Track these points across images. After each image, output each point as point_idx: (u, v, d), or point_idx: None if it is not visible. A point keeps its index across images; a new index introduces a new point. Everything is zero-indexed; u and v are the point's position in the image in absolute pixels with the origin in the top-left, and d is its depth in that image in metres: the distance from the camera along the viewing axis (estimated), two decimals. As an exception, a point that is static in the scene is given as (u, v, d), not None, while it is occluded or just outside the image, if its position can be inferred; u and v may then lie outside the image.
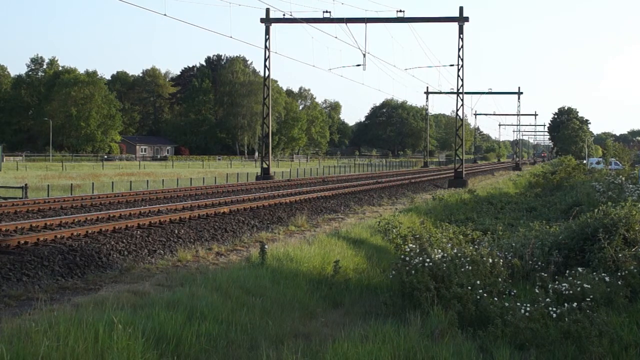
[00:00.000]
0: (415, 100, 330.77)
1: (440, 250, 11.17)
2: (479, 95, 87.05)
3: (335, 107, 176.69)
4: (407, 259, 10.72)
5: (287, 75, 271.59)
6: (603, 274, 10.28)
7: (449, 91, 67.17)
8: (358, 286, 12.39)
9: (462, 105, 47.18)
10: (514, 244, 13.59)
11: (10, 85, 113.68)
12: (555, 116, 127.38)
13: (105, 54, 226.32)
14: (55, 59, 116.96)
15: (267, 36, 43.70)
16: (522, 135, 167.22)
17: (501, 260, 11.40)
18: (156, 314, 8.48)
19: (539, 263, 12.16)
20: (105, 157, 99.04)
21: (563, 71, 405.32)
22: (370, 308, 10.65)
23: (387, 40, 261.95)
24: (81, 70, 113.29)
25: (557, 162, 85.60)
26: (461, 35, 43.76)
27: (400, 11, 41.76)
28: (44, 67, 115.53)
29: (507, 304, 9.27)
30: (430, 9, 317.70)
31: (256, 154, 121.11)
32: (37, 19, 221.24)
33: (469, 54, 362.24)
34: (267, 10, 43.20)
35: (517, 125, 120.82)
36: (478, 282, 10.01)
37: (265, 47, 43.81)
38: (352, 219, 22.95)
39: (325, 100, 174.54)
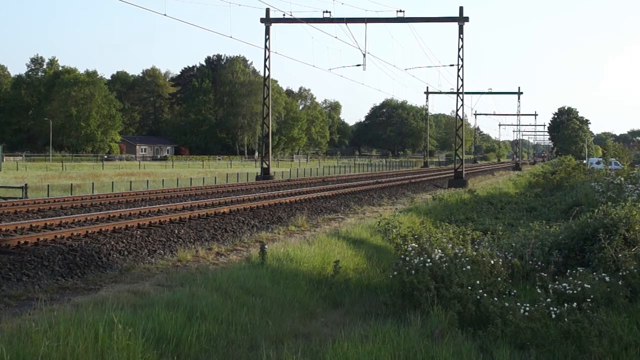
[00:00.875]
0: (415, 100, 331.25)
1: (440, 250, 11.17)
2: (479, 95, 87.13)
3: (335, 107, 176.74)
4: (408, 259, 10.72)
5: (287, 75, 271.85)
6: (603, 274, 10.28)
7: (449, 91, 67.22)
8: (358, 286, 12.39)
9: (462, 105, 47.22)
10: (514, 244, 13.59)
11: (10, 85, 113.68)
12: (555, 116, 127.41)
13: (105, 54, 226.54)
14: (55, 59, 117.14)
15: (267, 36, 43.72)
16: (522, 135, 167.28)
17: (501, 260, 11.40)
18: (156, 314, 8.48)
19: (539, 263, 12.16)
20: (105, 157, 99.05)
21: (563, 71, 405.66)
22: (370, 308, 10.65)
23: (387, 40, 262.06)
24: (81, 70, 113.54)
25: (557, 162, 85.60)
26: (461, 35, 43.78)
27: (400, 11, 41.80)
28: (44, 67, 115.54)
29: (507, 304, 9.27)
30: (430, 9, 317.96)
31: (256, 154, 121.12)
32: (37, 19, 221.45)
33: (469, 54, 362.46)
34: (267, 10, 43.23)
35: (517, 125, 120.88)
36: (478, 282, 10.01)
37: (265, 47, 43.82)
38: (352, 219, 22.95)
39: (325, 100, 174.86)
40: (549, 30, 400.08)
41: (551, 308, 8.98)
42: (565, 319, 8.64)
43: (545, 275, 11.06)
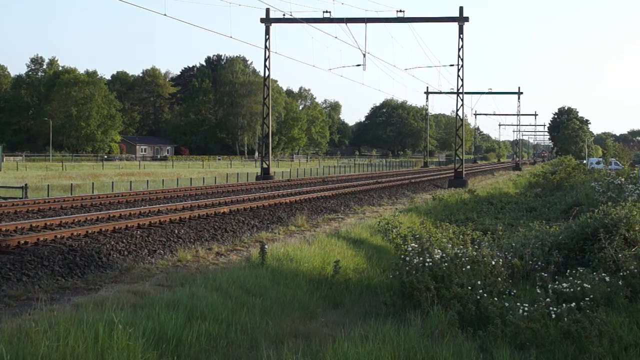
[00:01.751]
0: (415, 100, 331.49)
1: (440, 250, 11.16)
2: (479, 95, 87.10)
3: (335, 107, 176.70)
4: (407, 258, 10.72)
5: (287, 75, 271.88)
6: (603, 274, 10.27)
7: (449, 91, 67.21)
8: (358, 286, 12.39)
9: (462, 105, 47.24)
10: (514, 244, 13.58)
11: (10, 85, 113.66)
12: (555, 116, 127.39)
13: (105, 54, 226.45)
14: (55, 59, 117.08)
15: (267, 36, 43.72)
16: (522, 135, 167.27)
17: (501, 260, 11.39)
18: (156, 314, 8.48)
19: (539, 263, 12.15)
20: (105, 157, 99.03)
21: (563, 71, 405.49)
22: (370, 308, 10.65)
23: (387, 40, 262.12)
24: (81, 70, 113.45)
25: (557, 162, 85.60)
26: (461, 35, 43.78)
27: (400, 11, 41.81)
28: (44, 67, 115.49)
29: (507, 304, 9.26)
30: (430, 9, 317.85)
31: (256, 154, 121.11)
32: (37, 19, 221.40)
33: (469, 54, 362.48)
34: (267, 10, 43.24)
35: (517, 125, 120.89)
36: (478, 282, 10.00)
37: (265, 47, 43.82)
38: (352, 219, 22.95)
39: (325, 100, 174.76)
40: (549, 30, 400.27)
41: (551, 308, 8.98)
42: (565, 319, 8.63)
43: (545, 275, 11.05)
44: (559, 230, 13.81)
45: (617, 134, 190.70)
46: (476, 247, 12.47)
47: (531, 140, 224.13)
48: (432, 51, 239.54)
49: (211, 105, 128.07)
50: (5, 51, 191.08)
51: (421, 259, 10.52)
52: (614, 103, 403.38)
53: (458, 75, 45.27)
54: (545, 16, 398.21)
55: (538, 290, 10.12)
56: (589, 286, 9.79)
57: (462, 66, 45.01)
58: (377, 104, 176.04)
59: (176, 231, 17.08)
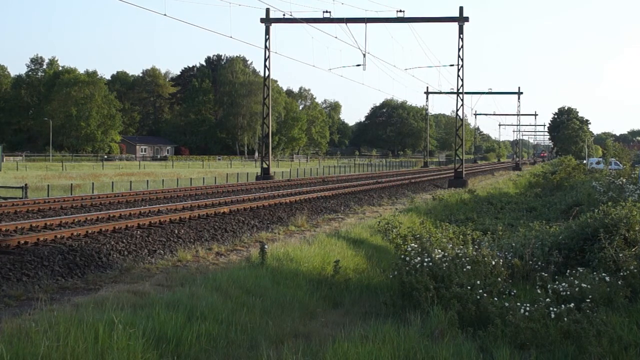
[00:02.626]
0: (415, 100, 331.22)
1: (440, 250, 11.16)
2: (479, 95, 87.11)
3: (335, 107, 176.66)
4: (407, 259, 10.72)
5: (287, 75, 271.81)
6: (603, 274, 10.28)
7: (449, 91, 67.23)
8: (358, 286, 12.38)
9: (462, 105, 47.23)
10: (514, 244, 13.58)
11: (10, 85, 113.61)
12: (555, 116, 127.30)
13: (105, 54, 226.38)
14: (55, 59, 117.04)
15: (267, 36, 43.72)
16: (522, 135, 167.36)
17: (501, 260, 11.39)
18: (156, 314, 8.48)
19: (539, 263, 12.15)
20: (105, 157, 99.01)
21: (563, 71, 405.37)
22: (370, 308, 10.65)
23: (387, 40, 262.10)
24: (81, 70, 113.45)
25: (557, 162, 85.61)
26: (461, 35, 43.78)
27: (400, 11, 41.81)
28: (44, 67, 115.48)
29: (507, 304, 9.26)
30: (430, 9, 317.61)
31: (256, 154, 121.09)
32: (37, 19, 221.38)
33: (469, 54, 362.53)
34: (267, 10, 43.24)
35: (517, 125, 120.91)
36: (478, 282, 10.00)
37: (265, 47, 43.82)
38: (352, 219, 22.95)
39: (325, 100, 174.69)
40: (549, 30, 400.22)
41: (551, 308, 8.98)
42: (565, 319, 8.63)
43: (545, 275, 11.06)
44: (559, 231, 13.81)
45: (617, 134, 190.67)
46: (476, 247, 12.47)
47: (531, 140, 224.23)
48: (432, 51, 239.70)
49: (211, 105, 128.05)
50: (5, 51, 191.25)
51: (421, 259, 10.52)
52: (614, 103, 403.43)
53: (458, 75, 45.28)
54: (545, 16, 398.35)
55: (538, 291, 10.13)
56: (589, 286, 9.79)
57: (462, 66, 45.04)
58: (377, 104, 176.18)
59: (176, 231, 17.08)
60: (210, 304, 9.43)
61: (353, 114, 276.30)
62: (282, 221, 21.38)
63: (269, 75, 45.28)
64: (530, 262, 12.23)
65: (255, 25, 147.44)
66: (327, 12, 40.99)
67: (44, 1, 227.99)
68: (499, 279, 10.74)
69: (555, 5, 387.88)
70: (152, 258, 14.63)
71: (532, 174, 61.15)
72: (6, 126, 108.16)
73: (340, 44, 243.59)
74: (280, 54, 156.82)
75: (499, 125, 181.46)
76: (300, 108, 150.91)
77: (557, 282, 10.24)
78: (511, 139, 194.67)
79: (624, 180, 23.19)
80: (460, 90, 46.14)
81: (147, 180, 38.19)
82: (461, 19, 42.99)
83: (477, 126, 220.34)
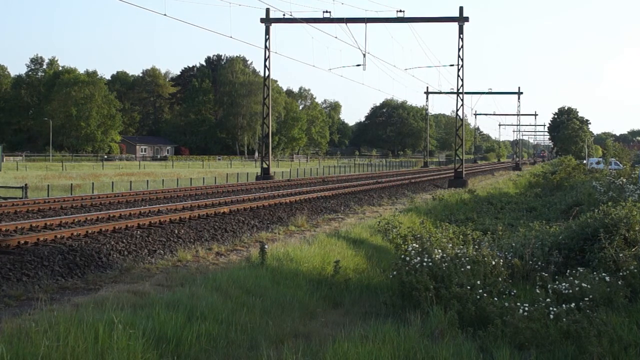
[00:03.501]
0: (415, 100, 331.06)
1: (440, 250, 11.16)
2: (479, 95, 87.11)
3: (335, 107, 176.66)
4: (407, 258, 10.71)
5: (287, 75, 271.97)
6: (603, 274, 10.28)
7: (449, 91, 67.23)
8: (358, 286, 12.38)
9: (462, 105, 47.24)
10: (514, 244, 13.58)
11: (10, 85, 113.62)
12: (555, 116, 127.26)
13: (105, 54, 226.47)
14: (55, 59, 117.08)
15: (267, 36, 43.73)
16: (522, 135, 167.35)
17: (501, 261, 11.39)
18: (156, 314, 8.48)
19: (539, 263, 12.15)
20: (105, 157, 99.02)
21: (563, 71, 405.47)
22: (370, 308, 10.65)
23: (387, 40, 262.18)
24: (81, 70, 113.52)
25: (557, 162, 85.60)
26: (461, 35, 43.78)
27: (400, 11, 41.81)
28: (44, 67, 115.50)
29: (507, 304, 9.27)
30: (430, 9, 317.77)
31: (256, 154, 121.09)
32: (37, 19, 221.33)
33: (469, 54, 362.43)
34: (267, 10, 43.24)
35: (517, 125, 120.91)
36: (478, 282, 10.00)
37: (265, 47, 43.83)
38: (352, 219, 22.94)
39: (325, 100, 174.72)
40: (549, 30, 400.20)
41: (551, 308, 8.98)
42: (565, 319, 8.63)
43: (545, 275, 11.06)
44: (559, 231, 13.81)
45: (617, 134, 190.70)
46: (476, 247, 12.46)
47: (531, 140, 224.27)
48: (432, 51, 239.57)
49: (211, 105, 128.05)
50: (5, 51, 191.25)
51: (420, 259, 10.51)
52: (614, 103, 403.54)
53: (458, 75, 45.28)
54: (545, 16, 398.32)
55: (538, 291, 10.12)
56: (589, 286, 9.79)
57: (462, 66, 45.04)
58: (377, 104, 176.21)
59: (176, 231, 17.08)
60: (210, 304, 9.43)
61: (353, 114, 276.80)
62: (282, 221, 21.37)
63: (269, 75, 45.29)
64: (530, 262, 12.23)
65: (255, 25, 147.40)
66: (327, 12, 41.03)
67: (44, 1, 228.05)
68: (499, 279, 10.74)
69: (555, 5, 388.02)
70: (152, 258, 14.63)
71: (532, 174, 61.15)
72: (6, 126, 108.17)
73: (340, 44, 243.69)
74: (280, 54, 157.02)
75: (499, 125, 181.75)
76: (300, 108, 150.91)
77: (557, 282, 10.24)
78: (511, 139, 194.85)
79: (624, 180, 23.19)
80: (460, 90, 46.15)
81: (147, 180, 38.19)
82: (461, 19, 42.99)
83: (477, 126, 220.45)
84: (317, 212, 24.68)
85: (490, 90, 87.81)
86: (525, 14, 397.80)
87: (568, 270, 10.86)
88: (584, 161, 72.03)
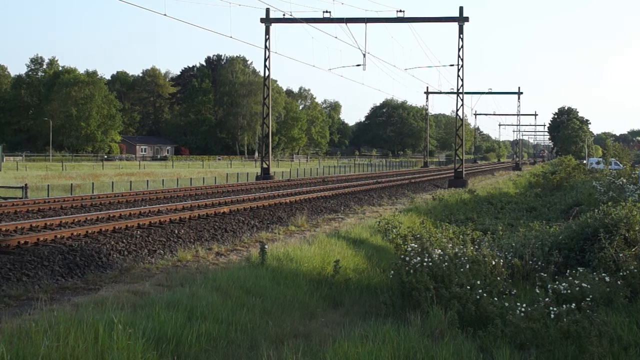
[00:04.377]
0: (415, 100, 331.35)
1: (440, 250, 11.16)
2: (479, 95, 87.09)
3: (335, 107, 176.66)
4: (407, 258, 10.71)
5: (287, 75, 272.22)
6: (603, 274, 10.28)
7: (449, 91, 67.20)
8: (358, 286, 12.38)
9: (462, 105, 47.23)
10: (514, 244, 13.57)
11: (10, 85, 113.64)
12: (555, 116, 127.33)
13: (105, 54, 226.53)
14: (55, 59, 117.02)
15: (267, 36, 43.72)
16: (522, 135, 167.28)
17: (501, 261, 11.39)
18: (156, 314, 8.48)
19: (539, 263, 12.15)
20: (105, 157, 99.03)
21: (563, 71, 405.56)
22: (370, 308, 10.65)
23: (387, 40, 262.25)
24: (81, 70, 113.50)
25: (557, 162, 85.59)
26: (461, 35, 43.77)
27: (400, 11, 41.81)
28: (44, 67, 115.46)
29: (507, 304, 9.26)
30: (430, 9, 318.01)
31: (256, 154, 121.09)
32: (37, 19, 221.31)
33: (469, 54, 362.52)
34: (267, 10, 43.24)
35: (517, 125, 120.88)
36: (478, 282, 10.00)
37: (265, 47, 43.82)
38: (352, 219, 22.94)
39: (325, 100, 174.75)
40: (549, 29, 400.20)
41: (551, 308, 8.98)
42: (565, 319, 8.63)
43: (545, 275, 11.06)
44: (559, 230, 13.81)
45: (617, 134, 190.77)
46: (476, 247, 12.46)
47: (531, 140, 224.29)
48: (432, 51, 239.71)
49: (211, 105, 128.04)
50: (5, 51, 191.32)
51: (420, 259, 10.51)
52: (614, 103, 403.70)
53: (458, 75, 45.28)
54: (545, 16, 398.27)
55: (538, 291, 10.13)
56: (589, 286, 9.79)
57: (462, 66, 45.03)
58: (377, 104, 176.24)
59: (176, 231, 17.08)
60: (210, 304, 9.43)
61: (353, 114, 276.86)
62: (282, 221, 21.37)
63: (269, 75, 45.29)
64: (530, 262, 12.23)
65: (255, 25, 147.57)
66: (327, 12, 41.03)
67: (44, 1, 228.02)
68: (499, 279, 10.74)
69: (555, 5, 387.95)
70: (152, 258, 14.63)
71: (532, 174, 61.14)
72: (6, 126, 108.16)
73: (340, 44, 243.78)
74: (280, 54, 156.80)
75: (499, 125, 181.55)
76: (300, 108, 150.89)
77: (557, 282, 10.24)
78: (511, 139, 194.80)
79: (624, 180, 23.19)
80: (460, 90, 46.14)
81: (147, 180, 38.17)
82: (461, 19, 42.98)
83: (477, 126, 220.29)
84: (317, 212, 24.67)
85: (490, 90, 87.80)
86: (525, 14, 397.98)
87: (568, 270, 10.86)
88: (584, 161, 72.04)
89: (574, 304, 9.09)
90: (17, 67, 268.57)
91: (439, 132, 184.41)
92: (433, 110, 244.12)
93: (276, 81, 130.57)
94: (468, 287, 9.77)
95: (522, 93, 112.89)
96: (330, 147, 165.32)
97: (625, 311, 9.48)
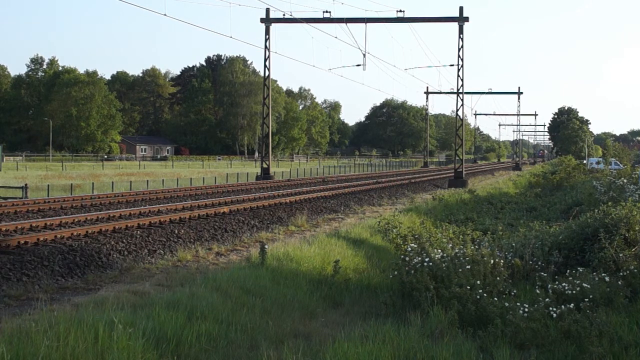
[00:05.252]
0: (415, 100, 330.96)
1: (440, 250, 11.16)
2: (479, 95, 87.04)
3: (335, 107, 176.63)
4: (407, 259, 10.71)
5: (287, 75, 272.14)
6: (603, 274, 10.28)
7: (449, 91, 67.19)
8: (358, 286, 12.38)
9: (462, 105, 47.24)
10: (514, 244, 13.57)
11: (10, 85, 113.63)
12: (555, 116, 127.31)
13: (105, 54, 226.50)
14: (55, 59, 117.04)
15: (267, 36, 43.73)
16: (522, 135, 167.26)
17: (501, 261, 11.39)
18: (156, 314, 8.48)
19: (539, 263, 12.15)
20: (105, 157, 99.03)
21: (563, 71, 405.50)
22: (370, 308, 10.64)
23: (387, 40, 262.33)
24: (81, 70, 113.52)
25: (557, 162, 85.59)
26: (461, 35, 43.78)
27: (400, 11, 41.81)
28: (44, 67, 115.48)
29: (507, 304, 9.26)
30: (430, 9, 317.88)
31: (256, 154, 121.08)
32: (37, 19, 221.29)
33: (469, 54, 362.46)
34: (267, 10, 43.24)
35: (517, 125, 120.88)
36: (478, 282, 10.00)
37: (265, 47, 43.83)
38: (352, 219, 22.94)
39: (325, 100, 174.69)
40: (550, 30, 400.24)
41: (551, 308, 8.98)
42: (565, 319, 8.64)
43: (545, 275, 11.06)
44: (559, 230, 13.81)
45: (617, 134, 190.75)
46: (476, 247, 12.46)
47: (531, 140, 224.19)
48: (432, 51, 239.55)
49: (211, 105, 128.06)
50: (5, 51, 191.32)
51: (420, 259, 10.51)
52: (614, 103, 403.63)
53: (458, 75, 45.28)
54: (545, 16, 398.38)
55: (538, 291, 10.13)
56: (589, 286, 9.79)
57: (462, 66, 45.03)
58: (377, 104, 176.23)
59: (176, 231, 17.08)
60: (210, 304, 9.43)
61: (353, 114, 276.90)
62: (282, 221, 21.37)
63: (269, 75, 45.29)
64: (530, 262, 12.23)
65: (255, 25, 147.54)
66: (327, 12, 41.03)
67: (44, 1, 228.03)
68: (499, 279, 10.73)
69: (555, 5, 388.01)
70: (152, 258, 14.63)
71: (532, 174, 61.13)
72: (6, 126, 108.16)
73: (340, 44, 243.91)
74: (280, 54, 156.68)
75: (499, 125, 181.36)
76: (300, 108, 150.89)
77: (557, 282, 10.24)
78: (511, 139, 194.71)
79: (625, 180, 23.18)
80: (460, 90, 46.14)
81: (147, 180, 38.18)
82: (461, 19, 42.98)
83: (477, 126, 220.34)
84: (317, 212, 24.67)
85: (490, 90, 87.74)
86: (525, 14, 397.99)
87: (568, 270, 10.86)
88: (584, 161, 72.02)
89: (573, 304, 9.09)
90: (17, 67, 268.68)
91: (439, 132, 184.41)
92: (433, 110, 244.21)
93: (276, 81, 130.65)
94: (468, 287, 9.77)
95: (522, 93, 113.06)
96: (330, 147, 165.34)
97: (625, 311, 9.49)
